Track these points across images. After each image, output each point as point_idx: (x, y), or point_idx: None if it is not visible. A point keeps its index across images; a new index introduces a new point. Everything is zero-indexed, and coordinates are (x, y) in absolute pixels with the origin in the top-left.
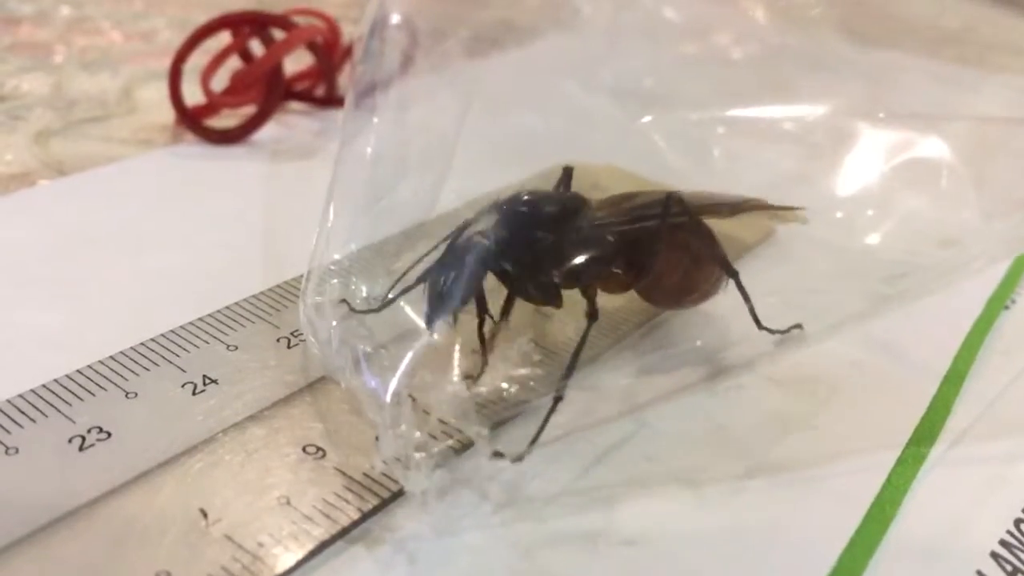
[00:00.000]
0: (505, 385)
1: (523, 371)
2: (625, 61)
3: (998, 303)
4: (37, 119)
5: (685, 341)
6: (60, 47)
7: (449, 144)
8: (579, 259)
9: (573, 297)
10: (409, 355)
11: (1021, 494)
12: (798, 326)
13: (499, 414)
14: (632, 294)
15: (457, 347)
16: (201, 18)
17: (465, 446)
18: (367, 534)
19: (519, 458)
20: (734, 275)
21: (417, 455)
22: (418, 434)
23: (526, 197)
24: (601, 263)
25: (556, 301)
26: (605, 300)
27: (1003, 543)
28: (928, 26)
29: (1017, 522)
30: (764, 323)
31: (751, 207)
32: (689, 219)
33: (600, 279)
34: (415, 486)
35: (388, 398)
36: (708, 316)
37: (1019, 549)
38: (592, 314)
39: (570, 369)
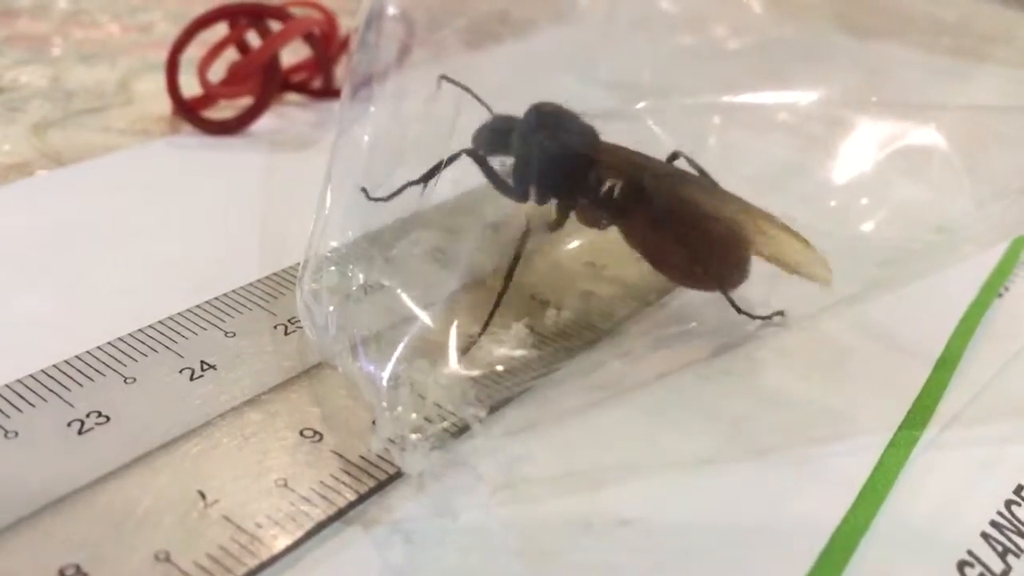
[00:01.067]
0: (500, 368)
1: (518, 354)
2: (622, 53)
3: (992, 290)
4: (35, 110)
5: (679, 323)
6: (58, 39)
7: (445, 134)
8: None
9: (567, 286)
10: (406, 339)
11: (1012, 476)
12: (780, 313)
13: (494, 397)
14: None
15: (453, 332)
16: (198, 11)
17: (461, 429)
18: (364, 515)
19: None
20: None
21: (414, 437)
22: (415, 416)
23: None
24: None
25: (520, 197)
26: (600, 288)
27: (994, 524)
28: (924, 18)
29: (1008, 503)
30: (755, 309)
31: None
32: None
33: (570, 201)
34: (412, 467)
35: (385, 381)
36: (700, 297)
37: (1009, 530)
38: (527, 232)
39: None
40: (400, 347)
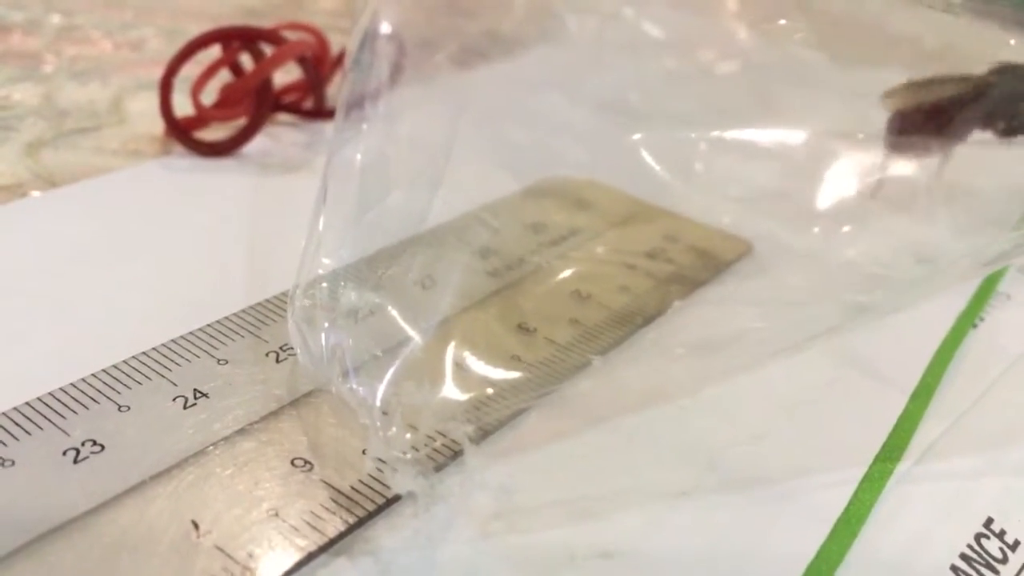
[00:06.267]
0: (490, 391)
1: (507, 380)
2: (610, 75)
3: (967, 321)
4: (28, 129)
5: (664, 351)
6: (50, 56)
7: (440, 155)
8: None
9: (554, 314)
10: (398, 362)
11: (983, 509)
12: None
13: (483, 421)
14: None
15: (449, 355)
16: (191, 28)
17: (448, 458)
18: (351, 546)
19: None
20: None
21: (405, 457)
22: (408, 436)
23: None
24: None
25: None
26: (586, 316)
27: (963, 556)
28: (910, 44)
29: (978, 536)
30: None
31: None
32: None
33: None
34: (402, 488)
35: (378, 403)
36: (685, 325)
37: (979, 563)
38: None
39: None
40: (392, 370)
